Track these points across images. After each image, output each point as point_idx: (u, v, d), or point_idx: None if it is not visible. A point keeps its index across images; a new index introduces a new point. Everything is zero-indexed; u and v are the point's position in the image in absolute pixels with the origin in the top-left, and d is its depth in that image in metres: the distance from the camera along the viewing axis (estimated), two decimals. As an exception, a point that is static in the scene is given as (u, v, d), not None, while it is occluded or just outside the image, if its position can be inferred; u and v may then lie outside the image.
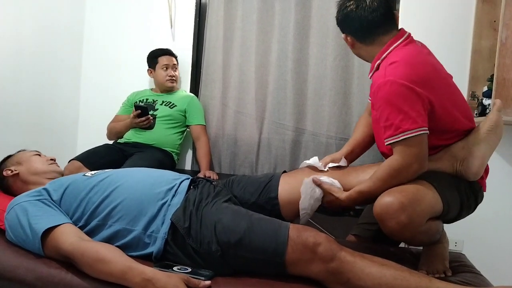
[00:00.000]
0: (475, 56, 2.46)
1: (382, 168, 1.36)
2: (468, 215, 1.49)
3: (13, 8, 2.42)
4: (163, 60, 2.70)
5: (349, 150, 1.64)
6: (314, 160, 1.54)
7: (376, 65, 1.45)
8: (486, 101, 2.33)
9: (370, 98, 1.67)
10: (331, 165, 1.54)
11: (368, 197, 1.38)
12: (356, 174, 1.50)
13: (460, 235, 2.46)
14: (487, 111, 2.30)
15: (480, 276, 1.41)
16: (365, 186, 1.38)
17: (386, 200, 1.27)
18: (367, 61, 1.55)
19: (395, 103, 1.30)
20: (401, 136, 1.30)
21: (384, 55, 1.43)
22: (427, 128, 1.31)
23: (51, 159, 1.64)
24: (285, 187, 1.47)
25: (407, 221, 1.23)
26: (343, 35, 1.54)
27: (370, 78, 1.49)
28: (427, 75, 1.36)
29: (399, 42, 1.44)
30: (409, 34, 1.48)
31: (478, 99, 2.43)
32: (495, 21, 2.40)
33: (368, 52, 1.49)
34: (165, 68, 2.69)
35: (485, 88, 2.38)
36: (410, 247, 1.74)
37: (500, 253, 2.47)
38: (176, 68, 2.74)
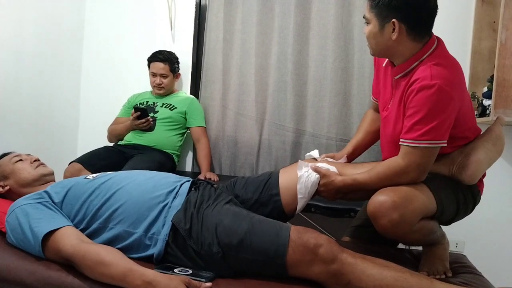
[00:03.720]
0: (475, 57, 2.46)
1: (381, 166, 1.38)
2: (465, 216, 1.49)
3: (13, 10, 2.42)
4: (152, 67, 2.69)
5: (350, 151, 1.65)
6: (315, 153, 1.60)
7: (411, 67, 1.36)
8: (486, 102, 2.34)
9: (373, 98, 1.67)
10: (330, 159, 1.58)
11: (361, 188, 1.42)
12: (353, 167, 1.54)
13: (461, 236, 2.46)
14: (487, 111, 2.30)
15: (481, 277, 1.41)
16: (361, 176, 1.41)
17: (379, 198, 1.29)
18: (389, 57, 1.44)
19: (434, 110, 1.27)
20: (423, 144, 1.29)
21: (423, 57, 1.34)
22: (446, 141, 1.32)
23: (35, 160, 1.57)
24: (285, 176, 1.50)
25: (398, 219, 1.25)
26: (389, 22, 1.32)
27: (396, 79, 1.41)
28: (463, 80, 1.36)
29: (435, 45, 1.37)
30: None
31: (478, 100, 2.44)
32: (494, 22, 2.40)
33: (408, 49, 1.36)
34: (153, 75, 2.69)
35: (485, 89, 2.38)
36: (411, 248, 1.74)
37: (501, 254, 2.47)
38: (165, 76, 2.67)
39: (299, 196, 1.46)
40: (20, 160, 1.56)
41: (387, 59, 1.50)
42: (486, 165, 1.42)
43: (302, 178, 1.46)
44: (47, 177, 1.56)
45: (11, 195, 1.52)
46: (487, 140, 1.42)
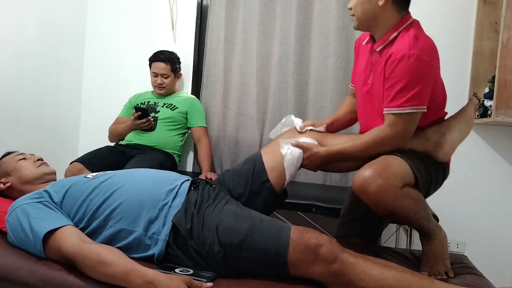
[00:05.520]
0: (476, 57, 2.46)
1: (368, 135, 1.47)
2: (436, 189, 1.58)
3: (15, 10, 2.42)
4: (153, 67, 2.69)
5: (329, 122, 1.71)
6: (298, 121, 1.64)
7: (392, 37, 1.45)
8: (487, 103, 2.34)
9: (352, 84, 1.75)
10: (309, 128, 1.62)
11: (346, 158, 1.51)
12: (333, 137, 1.59)
13: (462, 236, 2.46)
14: (489, 112, 2.30)
15: (482, 278, 1.41)
16: (347, 145, 1.49)
17: (362, 173, 1.36)
18: (371, 29, 1.51)
19: (414, 77, 1.37)
20: (407, 110, 1.39)
21: (402, 28, 1.45)
22: (426, 107, 1.42)
23: (38, 160, 1.59)
24: (268, 158, 1.52)
25: (383, 182, 1.32)
26: None
27: (379, 50, 1.49)
28: (438, 53, 1.45)
29: (411, 20, 1.48)
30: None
31: (479, 101, 2.43)
32: (496, 23, 2.40)
33: (390, 19, 1.46)
34: (154, 75, 2.69)
35: (487, 90, 2.38)
36: (412, 249, 1.74)
37: (502, 255, 2.46)
38: (167, 76, 2.67)
39: (287, 172, 1.50)
40: (24, 158, 1.57)
41: (367, 38, 1.58)
42: (458, 143, 1.52)
43: (286, 156, 1.50)
44: (49, 176, 1.56)
45: (11, 192, 1.53)
46: (461, 120, 1.52)
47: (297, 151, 1.51)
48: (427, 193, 1.53)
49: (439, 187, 1.58)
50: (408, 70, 1.36)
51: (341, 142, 1.52)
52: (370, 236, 1.70)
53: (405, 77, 1.37)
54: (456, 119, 1.53)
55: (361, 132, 1.59)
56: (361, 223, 1.69)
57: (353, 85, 1.74)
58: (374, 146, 1.45)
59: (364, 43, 1.61)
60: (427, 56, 1.37)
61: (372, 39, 1.54)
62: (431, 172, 1.49)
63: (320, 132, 1.62)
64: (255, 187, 1.48)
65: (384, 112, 1.43)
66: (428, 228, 1.44)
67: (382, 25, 1.48)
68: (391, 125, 1.42)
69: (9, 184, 1.53)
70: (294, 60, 2.65)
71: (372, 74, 1.52)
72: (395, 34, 1.45)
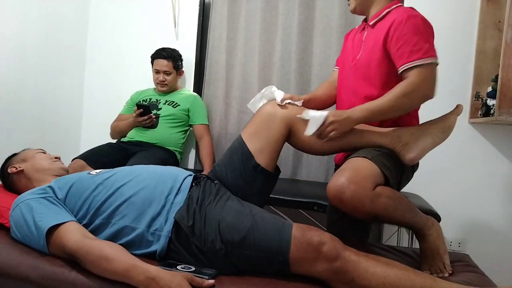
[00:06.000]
0: (479, 56, 2.46)
1: (397, 87, 1.45)
2: (408, 181, 1.60)
3: (17, 5, 2.42)
4: (155, 64, 2.69)
5: (307, 98, 1.69)
6: (279, 92, 1.58)
7: (385, 12, 1.56)
8: (490, 102, 2.33)
9: (336, 66, 1.79)
10: (288, 101, 1.57)
11: (376, 116, 1.46)
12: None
13: (464, 235, 2.45)
14: (491, 111, 2.29)
15: (484, 277, 1.41)
16: (376, 103, 1.46)
17: (334, 182, 1.34)
18: (367, 9, 1.62)
19: (424, 33, 1.45)
20: (429, 60, 1.43)
21: (395, 6, 1.56)
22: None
23: (56, 157, 1.63)
24: (252, 143, 1.48)
25: (356, 187, 1.31)
26: None
27: (372, 24, 1.59)
28: None
29: (402, 3, 1.61)
30: None
31: (482, 100, 2.43)
32: (499, 22, 2.40)
33: None
34: (156, 72, 2.70)
35: (490, 89, 2.38)
36: (413, 247, 1.74)
37: (504, 253, 2.46)
38: (169, 73, 2.68)
39: (308, 131, 1.46)
40: (43, 153, 1.63)
41: (358, 26, 1.68)
42: (429, 150, 1.49)
43: (313, 118, 1.46)
44: (62, 171, 1.59)
45: (20, 179, 1.54)
46: (438, 127, 1.49)
47: (324, 113, 1.45)
48: (398, 188, 1.53)
49: (410, 178, 1.60)
50: (418, 27, 1.44)
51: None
52: (356, 234, 1.70)
53: (417, 33, 1.43)
54: (435, 125, 1.50)
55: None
56: (343, 221, 1.70)
57: (337, 67, 1.79)
58: (404, 97, 1.43)
59: (357, 27, 1.71)
60: (427, 21, 1.48)
61: (364, 21, 1.65)
62: (399, 166, 1.49)
63: (298, 106, 1.57)
64: (248, 175, 1.46)
65: (404, 68, 1.44)
66: (417, 223, 1.43)
67: (377, 4, 1.60)
68: (417, 75, 1.42)
69: (21, 168, 1.55)
70: (296, 58, 2.65)
71: (362, 49, 1.59)
72: (388, 9, 1.56)
